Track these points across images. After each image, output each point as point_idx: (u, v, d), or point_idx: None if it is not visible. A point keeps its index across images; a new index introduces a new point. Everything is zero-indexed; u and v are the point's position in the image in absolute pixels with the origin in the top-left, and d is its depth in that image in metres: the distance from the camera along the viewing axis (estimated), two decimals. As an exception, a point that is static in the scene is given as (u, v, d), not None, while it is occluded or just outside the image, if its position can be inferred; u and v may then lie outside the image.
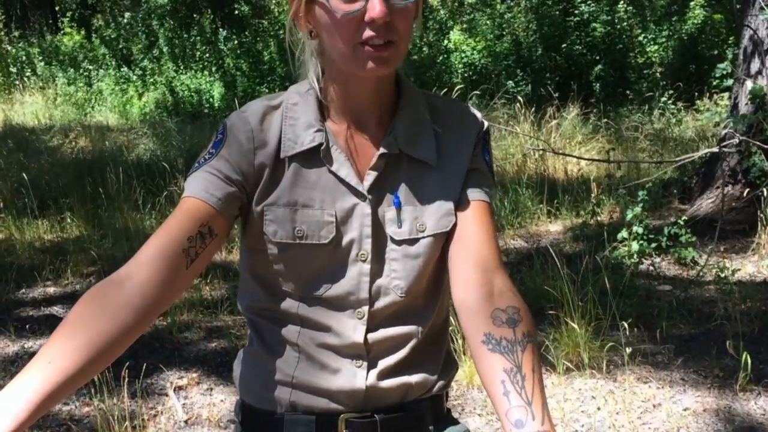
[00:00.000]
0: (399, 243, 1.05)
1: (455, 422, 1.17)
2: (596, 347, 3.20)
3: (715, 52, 8.06)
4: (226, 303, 3.91)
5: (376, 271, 1.06)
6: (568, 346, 3.22)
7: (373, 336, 1.07)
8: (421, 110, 1.08)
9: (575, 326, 3.16)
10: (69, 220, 5.13)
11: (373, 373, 1.07)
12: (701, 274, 4.12)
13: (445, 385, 1.15)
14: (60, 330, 0.86)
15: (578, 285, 3.37)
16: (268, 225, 1.04)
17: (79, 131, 7.56)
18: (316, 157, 1.04)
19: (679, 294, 3.88)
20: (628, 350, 3.03)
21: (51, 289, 4.18)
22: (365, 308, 1.06)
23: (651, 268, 4.26)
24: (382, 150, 1.04)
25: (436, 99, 1.12)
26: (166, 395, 3.02)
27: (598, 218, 4.94)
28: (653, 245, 4.29)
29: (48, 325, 3.67)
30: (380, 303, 1.06)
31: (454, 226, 1.06)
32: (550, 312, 3.41)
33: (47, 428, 2.84)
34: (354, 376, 1.06)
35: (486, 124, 1.12)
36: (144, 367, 3.00)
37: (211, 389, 3.11)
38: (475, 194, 1.07)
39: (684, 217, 4.39)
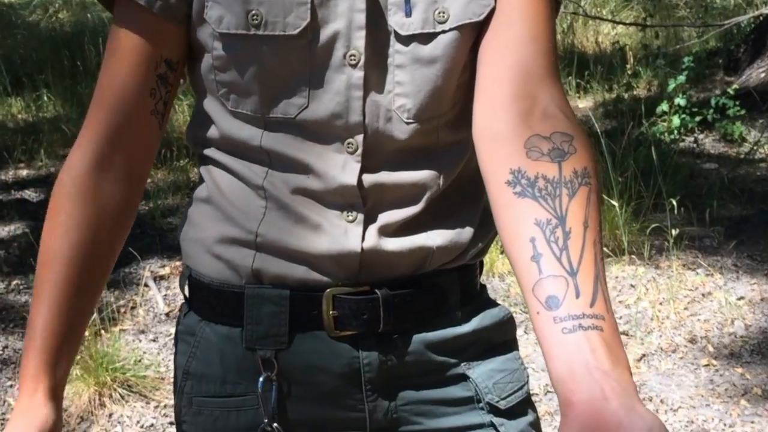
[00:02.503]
0: (407, 41, 0.72)
1: (492, 303, 0.85)
2: (636, 230, 2.88)
3: None
4: (215, 185, 3.55)
5: (374, 84, 0.73)
6: (605, 229, 2.85)
7: (370, 178, 0.75)
8: None
9: (615, 203, 2.84)
10: (45, 98, 4.72)
11: (373, 229, 0.75)
12: (753, 150, 3.68)
13: (482, 250, 0.82)
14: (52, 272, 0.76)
15: (618, 160, 2.99)
16: (210, 8, 0.72)
17: (60, 4, 7.00)
18: None
19: (727, 173, 3.48)
20: (674, 232, 2.68)
21: (23, 172, 3.96)
22: (359, 138, 0.74)
23: (694, 145, 3.89)
24: None
25: None
26: (146, 285, 2.79)
27: (634, 92, 4.48)
28: (697, 119, 3.85)
29: (18, 210, 3.42)
30: (379, 131, 0.74)
31: (492, 12, 0.71)
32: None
33: (10, 321, 2.57)
34: (344, 234, 0.75)
35: None
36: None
37: (197, 278, 2.79)
38: None
39: (735, 86, 3.89)
